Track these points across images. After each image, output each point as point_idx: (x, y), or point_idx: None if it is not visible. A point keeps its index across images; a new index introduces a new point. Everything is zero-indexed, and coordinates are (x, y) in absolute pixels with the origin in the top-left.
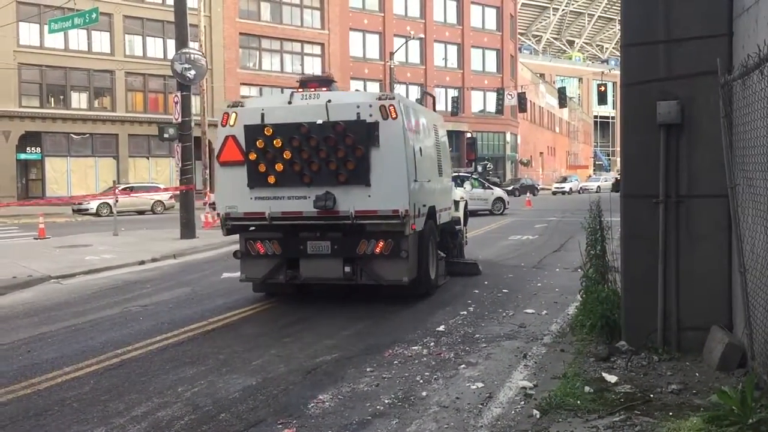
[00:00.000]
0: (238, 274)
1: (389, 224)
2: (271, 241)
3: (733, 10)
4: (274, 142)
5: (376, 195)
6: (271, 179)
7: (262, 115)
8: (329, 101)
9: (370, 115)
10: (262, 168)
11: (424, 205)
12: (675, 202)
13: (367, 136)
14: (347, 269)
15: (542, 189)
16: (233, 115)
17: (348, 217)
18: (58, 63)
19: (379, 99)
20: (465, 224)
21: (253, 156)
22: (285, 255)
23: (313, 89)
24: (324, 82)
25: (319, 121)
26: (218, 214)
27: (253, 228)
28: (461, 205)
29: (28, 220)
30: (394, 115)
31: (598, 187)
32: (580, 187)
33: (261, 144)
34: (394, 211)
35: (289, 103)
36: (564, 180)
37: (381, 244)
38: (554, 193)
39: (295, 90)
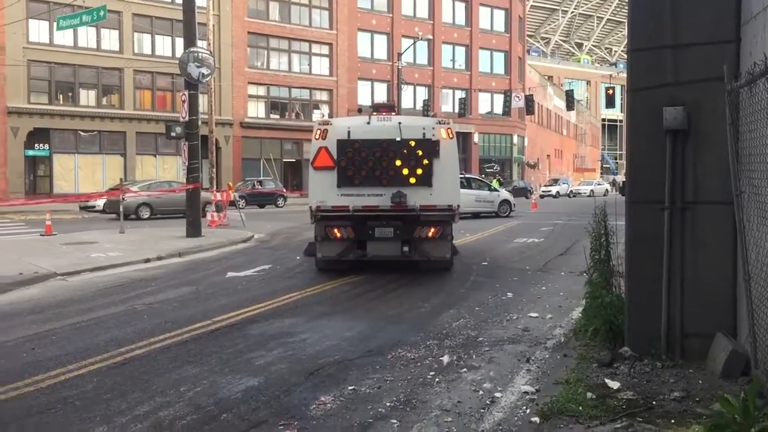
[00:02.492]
0: (242, 273)
1: (444, 215)
2: (345, 227)
3: (741, 17)
4: (361, 153)
5: (436, 194)
6: (356, 181)
7: (349, 132)
8: (400, 123)
9: (433, 135)
10: (349, 172)
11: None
12: (680, 208)
13: (432, 150)
14: (405, 249)
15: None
16: (324, 130)
17: (414, 209)
18: (67, 60)
19: (440, 123)
20: None
21: (343, 163)
22: (356, 238)
23: (384, 113)
24: (390, 108)
25: (397, 138)
26: (310, 207)
27: (319, 218)
28: None
29: (35, 217)
30: (451, 136)
31: (591, 191)
32: (570, 191)
33: (350, 154)
34: (449, 205)
35: (368, 123)
36: (554, 183)
37: (433, 229)
38: (542, 197)
39: (371, 114)
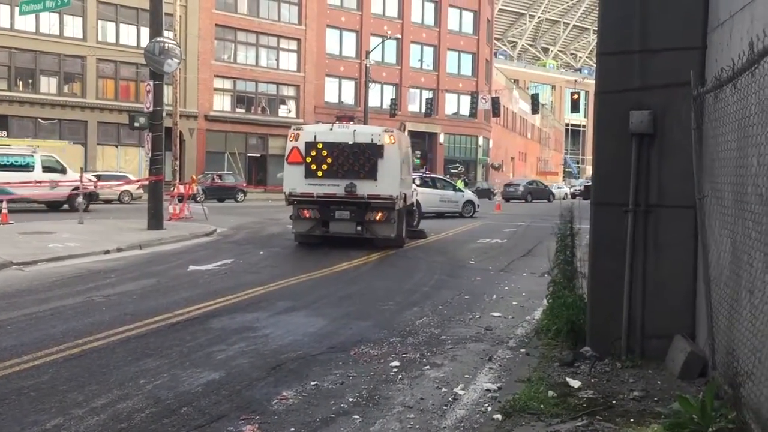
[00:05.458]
0: (204, 267)
1: (386, 203)
2: (312, 209)
3: (708, 24)
4: (323, 152)
5: (380, 186)
6: (319, 174)
7: (315, 136)
8: (355, 130)
9: (379, 140)
10: (314, 167)
11: (402, 193)
12: (644, 211)
13: (377, 152)
14: (358, 228)
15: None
16: (297, 134)
17: (363, 197)
18: (28, 46)
19: (385, 131)
20: (419, 208)
21: (309, 159)
22: (321, 218)
23: (345, 122)
24: (350, 118)
25: (351, 142)
26: (284, 193)
27: (292, 201)
28: (415, 194)
29: None
30: (393, 141)
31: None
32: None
33: (314, 153)
34: (390, 195)
35: (331, 129)
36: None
37: (380, 214)
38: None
39: (333, 122)
